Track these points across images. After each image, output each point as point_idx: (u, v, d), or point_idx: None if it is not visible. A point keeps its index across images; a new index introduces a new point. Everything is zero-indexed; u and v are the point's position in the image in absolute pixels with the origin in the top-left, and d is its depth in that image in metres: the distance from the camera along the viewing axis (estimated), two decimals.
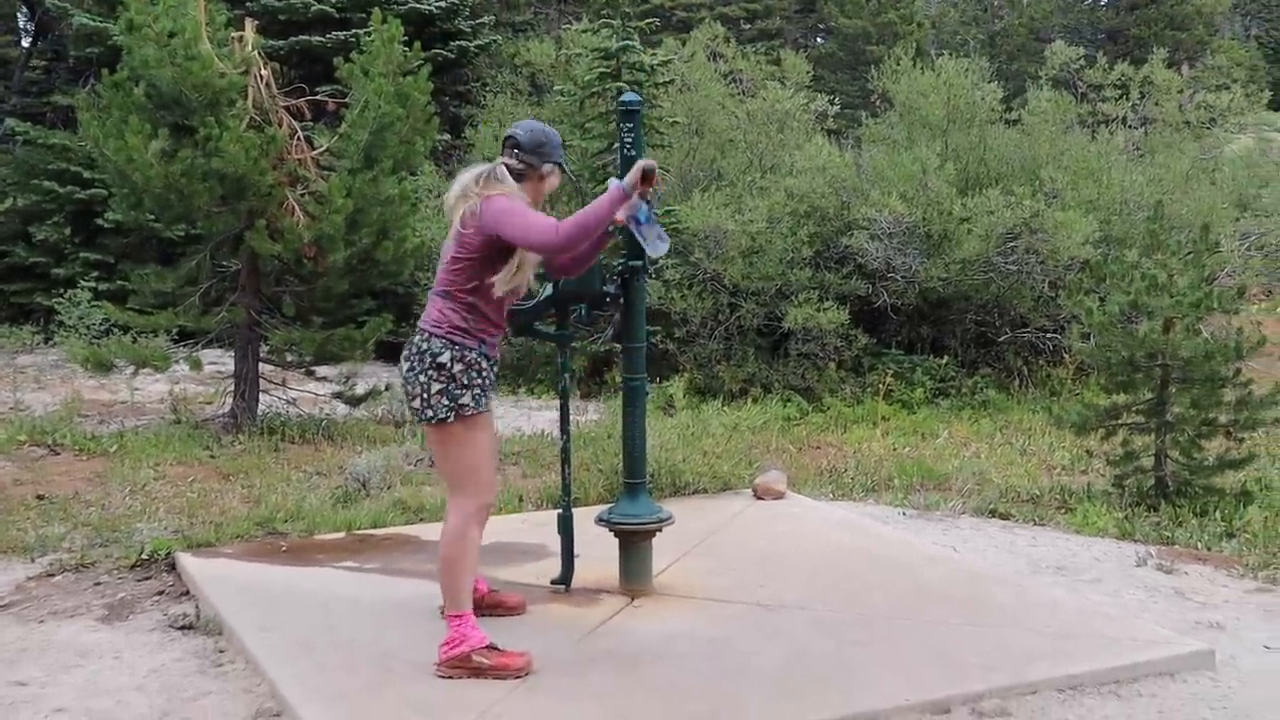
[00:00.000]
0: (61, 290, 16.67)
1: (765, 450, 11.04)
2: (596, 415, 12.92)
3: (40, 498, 8.48)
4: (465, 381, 4.84)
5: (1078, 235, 13.43)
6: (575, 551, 5.89)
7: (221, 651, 5.29)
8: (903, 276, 13.80)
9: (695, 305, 13.67)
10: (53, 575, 6.53)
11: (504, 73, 19.35)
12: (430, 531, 6.93)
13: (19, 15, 23.86)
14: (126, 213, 10.77)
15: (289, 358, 11.01)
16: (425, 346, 4.84)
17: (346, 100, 11.13)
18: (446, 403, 4.81)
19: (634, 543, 5.72)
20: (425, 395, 4.81)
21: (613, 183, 4.95)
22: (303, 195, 10.52)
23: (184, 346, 11.60)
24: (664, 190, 14.38)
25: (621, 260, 5.62)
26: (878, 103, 18.17)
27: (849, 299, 13.90)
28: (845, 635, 5.20)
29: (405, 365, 4.90)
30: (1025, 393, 14.07)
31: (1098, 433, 8.87)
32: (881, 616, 5.45)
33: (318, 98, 11.33)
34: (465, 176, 4.91)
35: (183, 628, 5.59)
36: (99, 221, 17.29)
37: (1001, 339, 14.58)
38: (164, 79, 10.11)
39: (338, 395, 11.34)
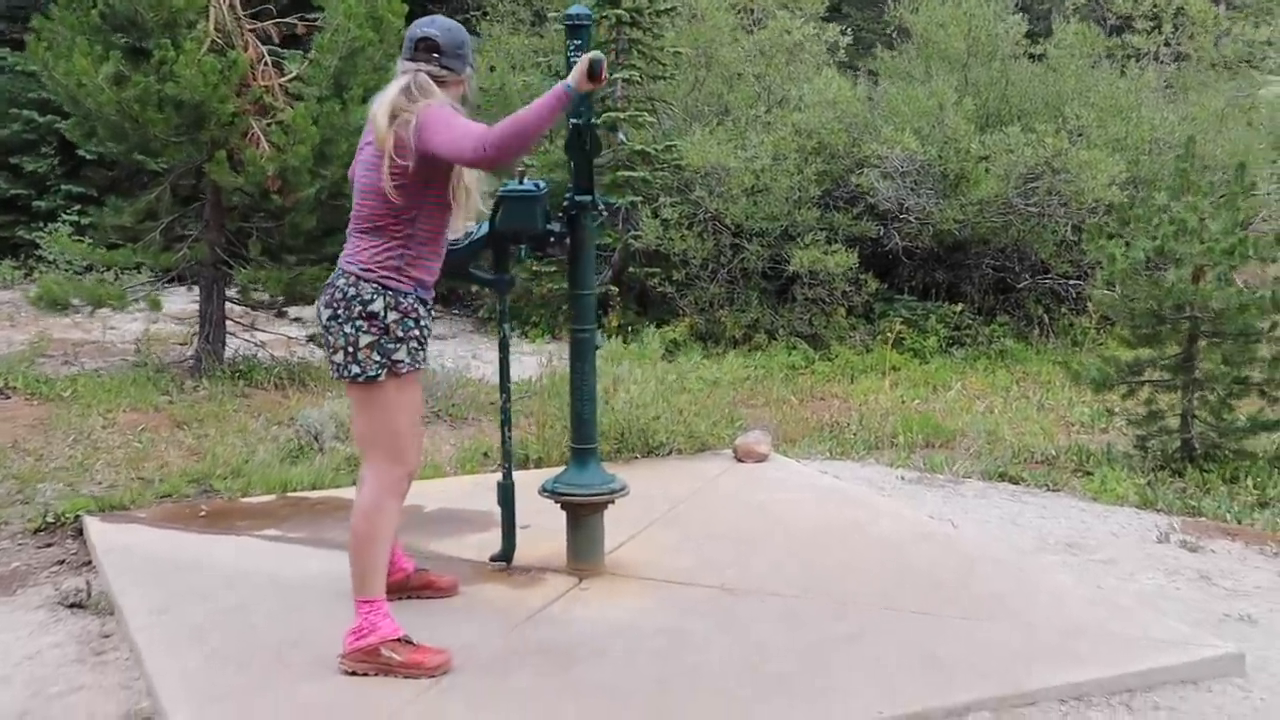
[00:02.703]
0: (43, 224, 16.03)
1: (765, 402, 10.39)
2: None
3: None
4: (400, 334, 4.17)
5: (1103, 176, 12.61)
6: (524, 522, 5.24)
7: (106, 637, 4.65)
8: (916, 218, 13.02)
9: (695, 246, 12.92)
10: None
11: (504, 1, 18.52)
12: None
13: None
14: (81, 140, 10.09)
15: (254, 298, 10.34)
16: (353, 292, 4.13)
17: (319, 23, 10.40)
18: (378, 358, 4.14)
19: (582, 516, 5.04)
20: (351, 349, 4.13)
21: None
22: (269, 125, 9.82)
23: (159, 285, 10.91)
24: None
25: (567, 195, 4.88)
26: (895, 36, 17.27)
27: (859, 241, 13.13)
28: (817, 630, 4.51)
29: (326, 312, 4.19)
30: (1045, 342, 13.33)
31: (1119, 390, 8.16)
32: (861, 605, 4.76)
33: (287, 20, 10.59)
34: (389, 94, 4.14)
35: (73, 605, 4.95)
36: (82, 153, 16.61)
37: (1021, 285, 13.83)
38: None
39: (311, 339, 10.68)
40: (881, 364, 12.12)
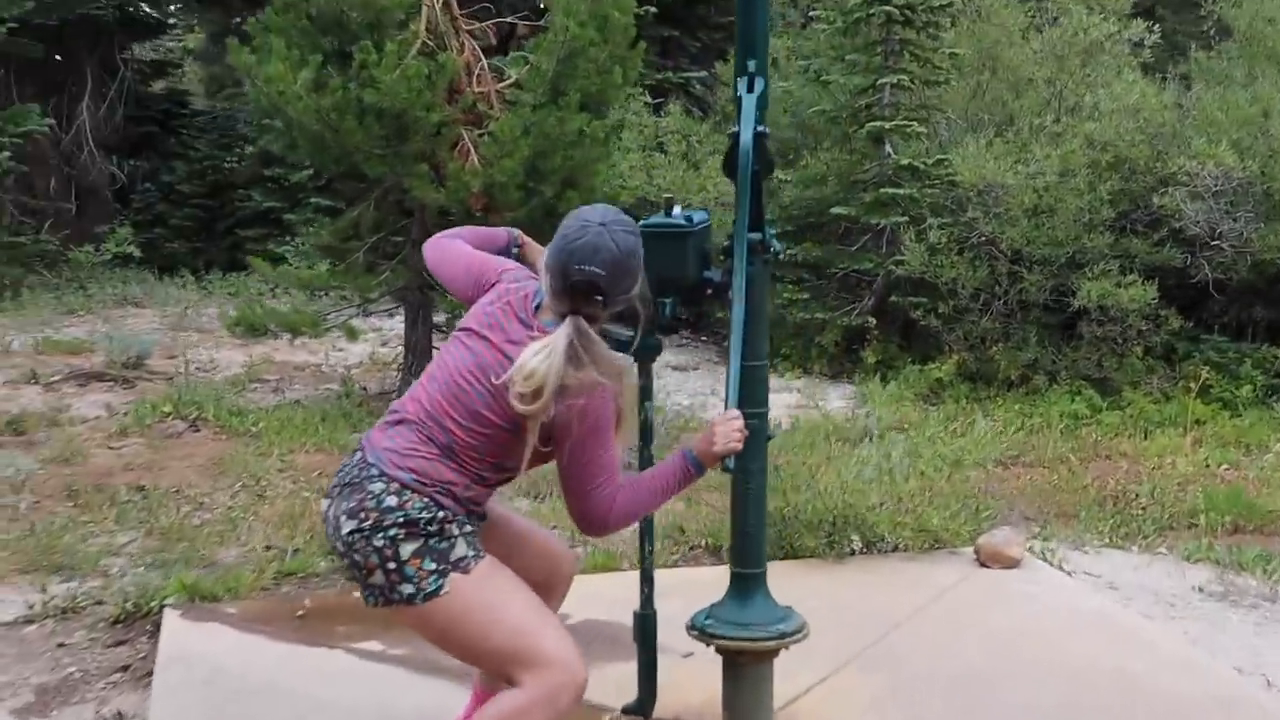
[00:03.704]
0: (289, 238, 15.70)
1: (1037, 460, 8.86)
2: (839, 403, 10.90)
3: (140, 489, 7.20)
4: (455, 531, 3.03)
5: None
6: (687, 649, 4.00)
7: None
8: (1231, 245, 11.10)
9: (966, 274, 11.36)
10: (32, 621, 5.07)
11: (773, 3, 17.24)
12: None
13: None
14: (285, 152, 9.45)
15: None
16: (393, 502, 2.98)
17: (544, 24, 9.43)
18: (433, 565, 2.98)
19: (742, 665, 3.76)
20: (394, 565, 2.96)
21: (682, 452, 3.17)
22: (482, 136, 8.89)
23: (360, 311, 10.08)
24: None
25: (729, 237, 3.59)
26: (1213, 35, 15.21)
27: (1159, 271, 11.31)
28: None
29: (349, 524, 2.99)
30: None
31: None
32: None
33: (508, 20, 9.65)
34: (557, 358, 2.96)
35: None
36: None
37: None
38: None
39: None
40: (1182, 416, 10.32)
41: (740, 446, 3.07)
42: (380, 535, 2.95)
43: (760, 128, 3.57)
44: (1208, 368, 11.08)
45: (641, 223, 3.54)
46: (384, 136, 8.62)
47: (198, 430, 8.77)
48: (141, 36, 21.15)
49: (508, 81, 9.25)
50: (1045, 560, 5.82)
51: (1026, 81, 13.43)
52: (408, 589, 2.96)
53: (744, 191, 3.53)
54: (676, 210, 3.58)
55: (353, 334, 9.39)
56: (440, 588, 2.96)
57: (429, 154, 8.74)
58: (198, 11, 21.77)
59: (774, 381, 11.88)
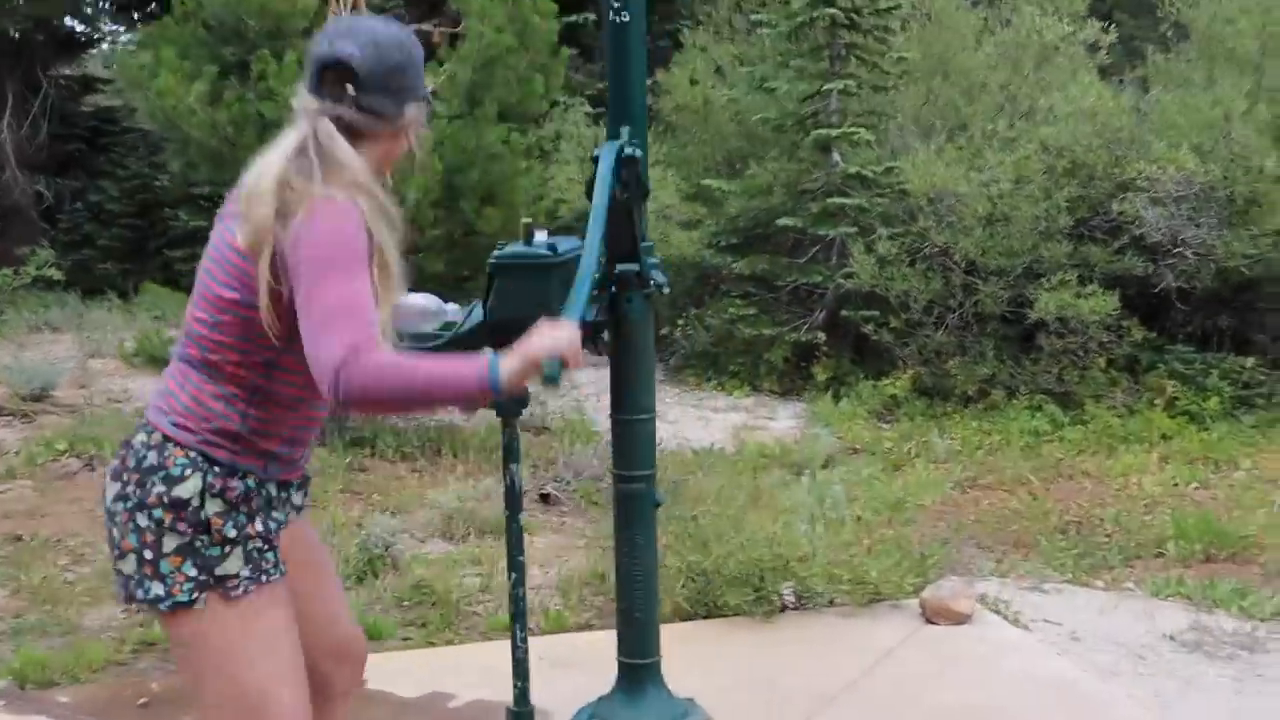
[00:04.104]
0: None
1: (996, 481, 8.43)
2: (789, 422, 10.40)
3: (16, 538, 6.59)
4: (230, 532, 2.38)
5: None
6: None
7: None
8: (1194, 252, 10.64)
9: (919, 286, 10.84)
10: None
11: (719, 9, 16.71)
12: (390, 670, 4.42)
13: None
14: (186, 170, 8.85)
15: None
16: (153, 460, 2.36)
17: (462, 31, 8.86)
18: (192, 572, 2.35)
19: None
20: (151, 555, 2.35)
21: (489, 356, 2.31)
22: None
23: None
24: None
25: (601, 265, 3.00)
26: (1170, 36, 14.77)
27: (1120, 280, 10.83)
28: None
29: (112, 487, 2.41)
30: None
31: None
32: None
33: (423, 27, 9.08)
34: (276, 158, 2.32)
35: None
36: None
37: None
38: (215, 3, 8.09)
39: None
40: (1148, 431, 9.88)
41: (568, 354, 2.30)
42: (144, 514, 2.35)
43: (632, 150, 3.01)
44: (1173, 380, 10.65)
45: (495, 254, 2.98)
46: None
47: (94, 470, 8.12)
48: (68, 53, 20.48)
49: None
50: (997, 612, 5.24)
51: (979, 86, 12.99)
52: (157, 589, 2.36)
53: (613, 219, 2.95)
54: (539, 237, 3.00)
55: None
56: (190, 601, 2.36)
57: None
58: (128, 24, 21.03)
59: (721, 400, 11.53)
